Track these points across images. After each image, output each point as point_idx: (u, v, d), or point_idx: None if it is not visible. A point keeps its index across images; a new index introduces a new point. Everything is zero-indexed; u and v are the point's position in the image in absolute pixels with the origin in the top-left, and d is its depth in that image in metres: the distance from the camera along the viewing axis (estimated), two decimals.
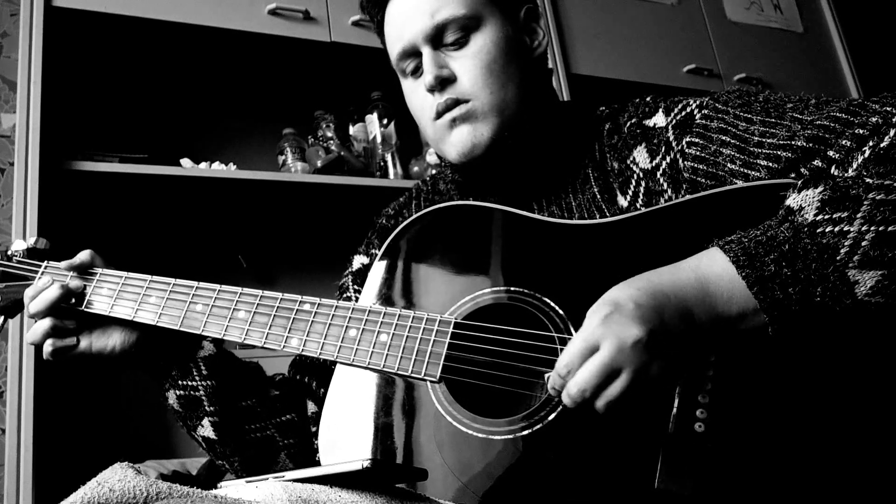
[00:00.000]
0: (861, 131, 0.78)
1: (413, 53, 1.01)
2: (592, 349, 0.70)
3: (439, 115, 0.99)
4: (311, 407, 1.11)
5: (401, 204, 1.21)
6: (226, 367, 1.07)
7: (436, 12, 0.97)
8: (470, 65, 0.98)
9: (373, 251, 1.17)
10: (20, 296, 1.03)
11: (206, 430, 1.04)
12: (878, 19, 3.32)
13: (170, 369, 1.04)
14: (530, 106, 1.01)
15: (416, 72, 1.02)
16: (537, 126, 1.02)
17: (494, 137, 0.98)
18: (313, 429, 1.09)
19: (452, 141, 1.00)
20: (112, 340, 1.02)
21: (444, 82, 0.98)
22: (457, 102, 0.98)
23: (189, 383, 1.03)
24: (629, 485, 0.75)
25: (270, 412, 1.08)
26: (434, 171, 1.11)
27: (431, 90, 0.99)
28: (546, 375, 0.74)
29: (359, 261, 1.18)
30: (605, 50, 2.33)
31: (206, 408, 1.03)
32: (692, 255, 0.76)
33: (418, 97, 1.02)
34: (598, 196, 1.00)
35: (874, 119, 0.77)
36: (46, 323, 0.99)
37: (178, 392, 1.04)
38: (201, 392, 1.03)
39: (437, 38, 0.98)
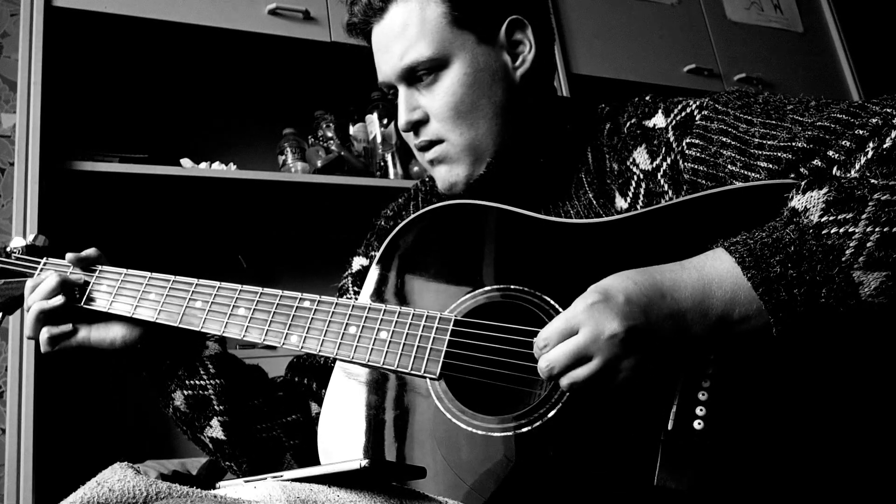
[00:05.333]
0: (861, 132, 0.78)
1: (392, 87, 1.02)
2: (572, 331, 0.73)
3: (420, 149, 1.02)
4: (314, 408, 1.11)
5: (399, 205, 1.21)
6: (232, 366, 1.06)
7: (404, 54, 0.97)
8: (439, 106, 0.98)
9: (372, 253, 1.17)
10: (18, 293, 1.03)
11: (214, 430, 1.03)
12: (878, 19, 3.32)
13: (176, 369, 1.03)
14: (512, 131, 1.00)
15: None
16: (525, 144, 1.02)
17: (471, 174, 1.00)
18: (317, 429, 1.08)
19: (436, 176, 1.03)
20: (112, 333, 1.01)
21: (416, 125, 1.00)
22: (431, 144, 1.00)
23: (197, 382, 1.03)
24: (628, 481, 0.74)
25: (276, 412, 1.07)
26: None
27: (407, 131, 1.01)
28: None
29: (358, 262, 1.18)
30: (605, 50, 2.33)
31: (216, 407, 1.02)
32: (697, 254, 0.76)
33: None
34: (594, 202, 1.00)
35: (874, 120, 0.77)
36: (36, 308, 0.97)
37: (185, 392, 1.03)
38: (210, 391, 1.03)
39: (409, 76, 0.99)
